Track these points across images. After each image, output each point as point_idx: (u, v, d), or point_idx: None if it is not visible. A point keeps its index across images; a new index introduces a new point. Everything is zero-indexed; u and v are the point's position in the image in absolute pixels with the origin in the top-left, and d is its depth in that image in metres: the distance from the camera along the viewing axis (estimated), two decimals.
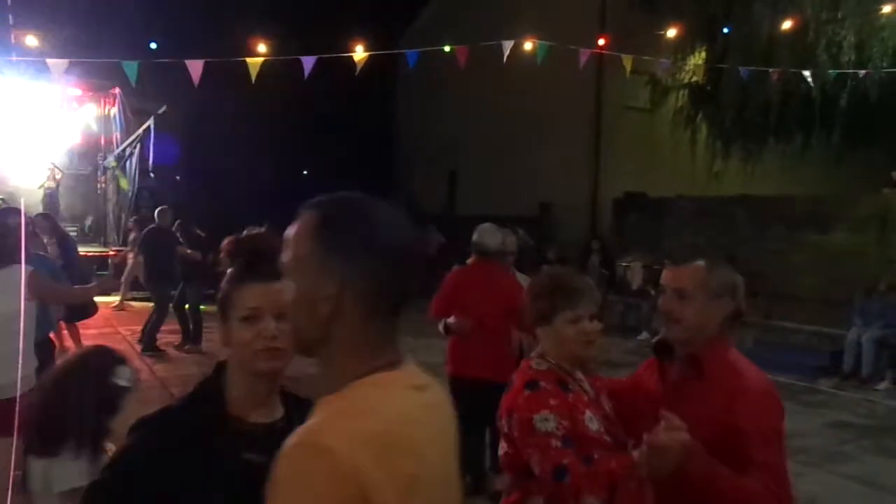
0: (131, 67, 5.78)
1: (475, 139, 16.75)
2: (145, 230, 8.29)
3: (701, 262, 1.88)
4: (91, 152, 12.56)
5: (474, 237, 4.41)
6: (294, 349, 1.14)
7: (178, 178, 12.73)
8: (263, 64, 6.32)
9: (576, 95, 14.46)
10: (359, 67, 6.95)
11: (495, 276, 4.29)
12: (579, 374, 1.98)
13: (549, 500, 1.83)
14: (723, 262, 1.92)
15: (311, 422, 0.98)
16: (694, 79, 12.54)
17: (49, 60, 5.71)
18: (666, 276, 1.92)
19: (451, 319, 4.14)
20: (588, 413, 1.88)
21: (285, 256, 1.08)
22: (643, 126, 13.76)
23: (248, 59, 6.32)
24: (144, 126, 10.41)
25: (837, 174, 11.99)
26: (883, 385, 7.80)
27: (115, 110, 11.00)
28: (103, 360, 1.92)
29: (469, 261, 4.48)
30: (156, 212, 8.31)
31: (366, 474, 0.93)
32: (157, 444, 1.29)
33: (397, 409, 1.02)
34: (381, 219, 1.08)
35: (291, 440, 0.95)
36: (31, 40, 6.94)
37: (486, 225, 4.48)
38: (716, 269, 1.87)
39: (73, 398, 1.81)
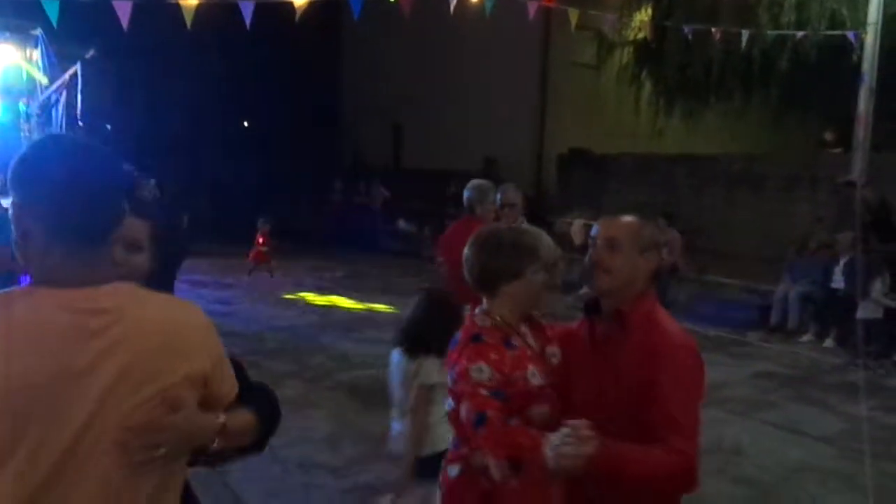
0: (52, 6, 5.42)
1: (421, 92, 16.53)
2: None
3: (633, 216, 1.94)
4: (12, 100, 11.84)
5: (465, 193, 4.52)
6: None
7: (108, 127, 12.16)
8: (201, 8, 6.02)
9: (523, 50, 14.37)
10: (299, 13, 6.69)
11: None
12: (524, 329, 2.00)
13: (473, 452, 1.88)
14: (654, 221, 2.00)
15: None
16: (640, 35, 12.58)
17: None
18: (599, 226, 1.95)
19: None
20: (531, 368, 1.92)
21: None
22: (589, 83, 13.80)
23: (182, 2, 6.00)
24: (71, 72, 9.86)
25: (774, 134, 12.32)
26: (806, 338, 8.18)
27: (37, 54, 10.33)
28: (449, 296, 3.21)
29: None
30: None
31: None
32: None
33: (26, 312, 1.21)
34: (45, 173, 1.24)
35: None
36: None
37: (475, 181, 4.57)
38: (647, 224, 1.94)
39: (441, 318, 2.85)
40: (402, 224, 14.97)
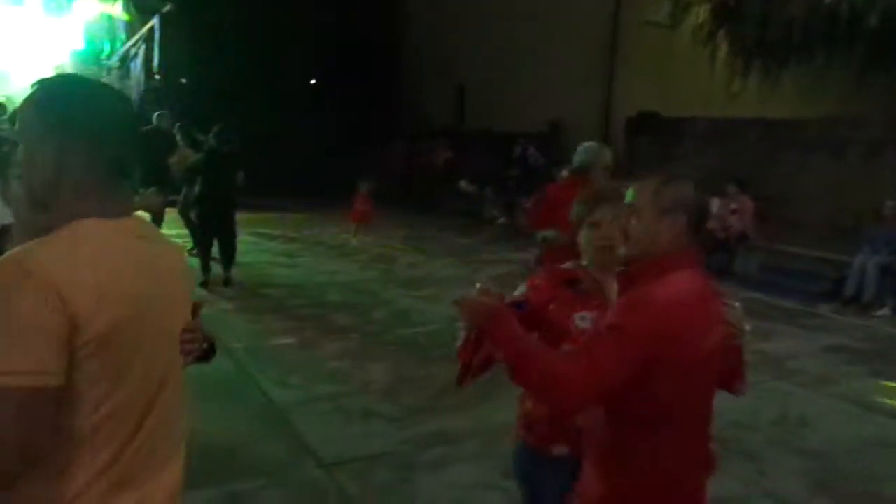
0: None
1: (485, 52, 16.30)
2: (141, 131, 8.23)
3: (655, 178, 1.81)
4: (94, 54, 12.27)
5: (577, 155, 4.48)
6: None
7: (183, 81, 12.45)
8: None
9: (592, 8, 13.94)
10: None
11: None
12: (610, 281, 2.03)
13: None
14: (682, 180, 1.80)
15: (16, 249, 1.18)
16: None
17: None
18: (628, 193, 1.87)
19: (548, 232, 4.19)
20: (583, 313, 2.06)
21: None
22: (661, 42, 13.30)
23: None
24: (148, 26, 10.11)
25: (856, 97, 11.66)
26: (883, 311, 7.85)
27: (119, 8, 10.62)
28: None
29: (564, 175, 4.58)
30: (154, 115, 8.14)
31: (68, 294, 1.14)
32: None
33: (105, 246, 1.25)
34: (84, 99, 1.29)
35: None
36: None
37: (587, 143, 4.51)
38: (668, 184, 1.78)
39: None
40: (463, 185, 14.93)
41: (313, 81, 19.11)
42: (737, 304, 1.84)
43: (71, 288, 1.15)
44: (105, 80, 12.02)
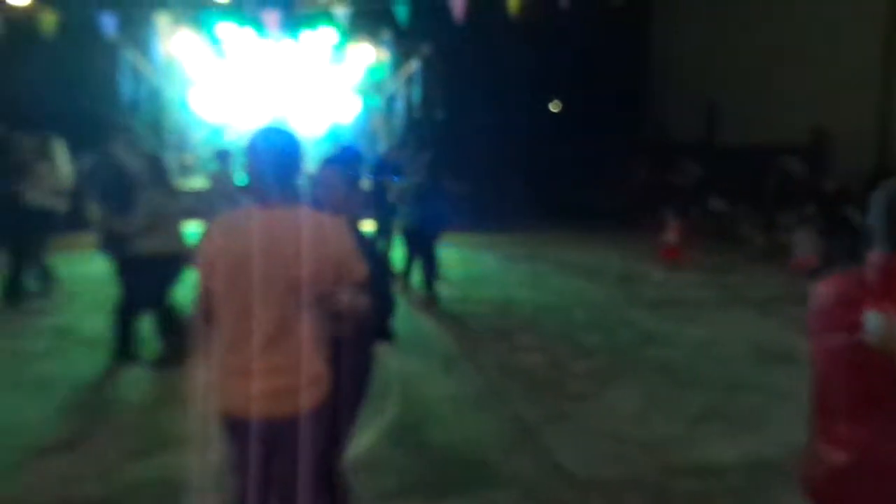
0: (402, 9, 6.18)
1: (736, 61, 15.29)
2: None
3: None
4: (366, 95, 13.67)
5: None
6: None
7: (440, 117, 13.39)
8: None
9: (863, 2, 12.46)
10: None
11: None
12: None
13: None
14: None
15: None
16: None
17: (334, 9, 6.33)
18: None
19: None
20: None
21: None
22: None
23: None
24: (410, 68, 11.08)
25: None
26: None
27: (386, 54, 11.76)
28: None
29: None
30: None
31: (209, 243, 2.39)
32: None
33: (231, 218, 2.48)
34: (260, 145, 2.36)
35: None
36: None
37: None
38: None
39: None
40: (714, 203, 14.10)
41: (555, 110, 19.43)
42: None
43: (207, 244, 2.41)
44: (372, 119, 13.39)
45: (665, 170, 16.35)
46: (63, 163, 7.36)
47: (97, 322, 6.30)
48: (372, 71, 12.35)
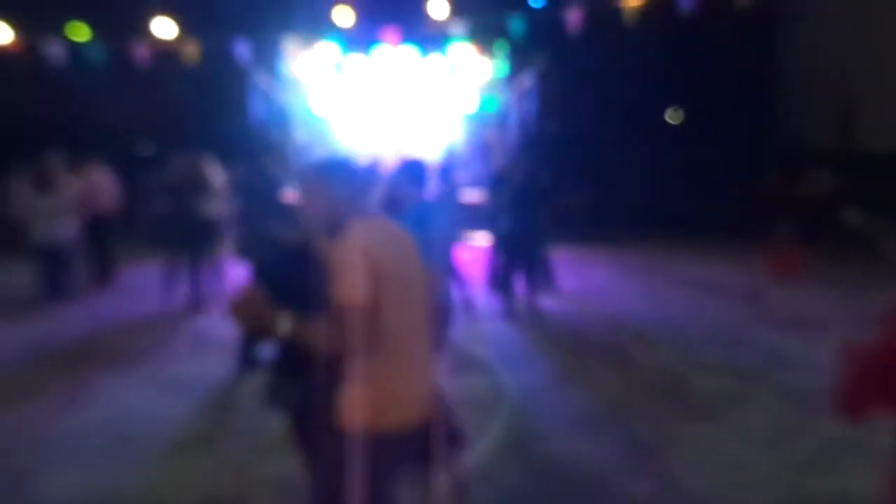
0: (518, 23, 6.23)
1: (876, 58, 14.21)
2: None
3: None
4: (479, 109, 13.80)
5: None
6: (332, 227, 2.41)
7: (555, 130, 13.32)
8: (641, 4, 6.23)
9: None
10: None
11: None
12: None
13: None
14: None
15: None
16: None
17: (451, 26, 6.46)
18: None
19: None
20: None
21: None
22: None
23: (625, 2, 6.29)
24: (524, 81, 11.13)
25: None
26: None
27: (502, 66, 11.83)
28: None
29: None
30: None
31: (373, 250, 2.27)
32: None
33: (370, 226, 2.38)
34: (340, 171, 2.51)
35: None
36: (439, 8, 7.79)
37: None
38: None
39: None
40: (849, 215, 13.14)
41: (671, 120, 18.83)
42: None
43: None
44: (486, 132, 13.50)
45: (795, 179, 15.42)
46: (217, 178, 8.04)
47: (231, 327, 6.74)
48: (487, 85, 12.46)
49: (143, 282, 9.23)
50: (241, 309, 2.43)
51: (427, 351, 2.47)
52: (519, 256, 7.97)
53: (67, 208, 8.38)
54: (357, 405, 2.22)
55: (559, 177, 9.20)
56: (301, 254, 2.59)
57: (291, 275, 2.40)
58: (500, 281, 8.18)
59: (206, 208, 7.91)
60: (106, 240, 9.29)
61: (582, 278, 10.12)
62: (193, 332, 7.18)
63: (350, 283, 2.15)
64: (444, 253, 4.34)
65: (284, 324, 2.32)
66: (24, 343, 6.84)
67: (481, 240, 10.85)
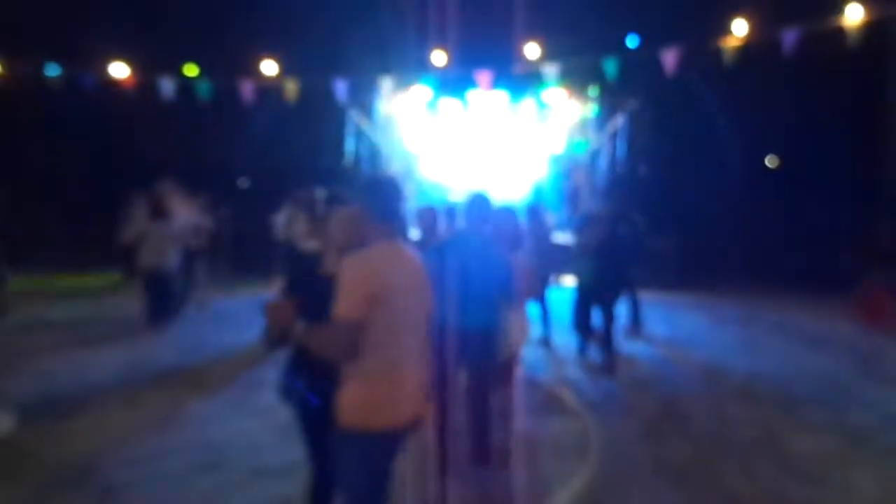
0: (611, 64, 6.18)
1: None
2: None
3: None
4: (569, 153, 13.74)
5: None
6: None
7: (645, 173, 13.07)
8: (741, 45, 6.06)
9: None
10: (852, 38, 6.13)
11: None
12: None
13: None
14: None
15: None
16: None
17: (545, 67, 6.49)
18: None
19: None
20: None
21: None
22: None
23: (725, 43, 6.14)
24: (616, 123, 11.01)
25: None
26: None
27: (590, 109, 11.80)
28: None
29: None
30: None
31: (377, 276, 2.55)
32: None
33: (381, 252, 2.63)
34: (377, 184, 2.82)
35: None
36: (532, 51, 7.88)
37: None
38: None
39: None
40: None
41: (771, 165, 18.13)
42: None
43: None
44: (574, 173, 13.40)
45: None
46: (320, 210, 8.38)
47: None
48: (576, 127, 12.40)
49: (237, 310, 9.56)
50: (274, 313, 2.70)
51: (421, 357, 2.74)
52: (603, 300, 7.76)
53: (176, 236, 8.83)
54: (351, 406, 2.56)
55: (648, 220, 8.96)
56: (317, 269, 2.98)
57: (308, 287, 2.85)
58: (582, 323, 7.98)
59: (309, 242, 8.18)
60: (199, 269, 9.73)
61: (673, 325, 9.76)
62: (282, 360, 7.33)
63: (346, 300, 2.48)
64: (499, 281, 4.35)
65: (298, 330, 2.66)
66: (124, 364, 7.18)
67: (569, 281, 10.64)
